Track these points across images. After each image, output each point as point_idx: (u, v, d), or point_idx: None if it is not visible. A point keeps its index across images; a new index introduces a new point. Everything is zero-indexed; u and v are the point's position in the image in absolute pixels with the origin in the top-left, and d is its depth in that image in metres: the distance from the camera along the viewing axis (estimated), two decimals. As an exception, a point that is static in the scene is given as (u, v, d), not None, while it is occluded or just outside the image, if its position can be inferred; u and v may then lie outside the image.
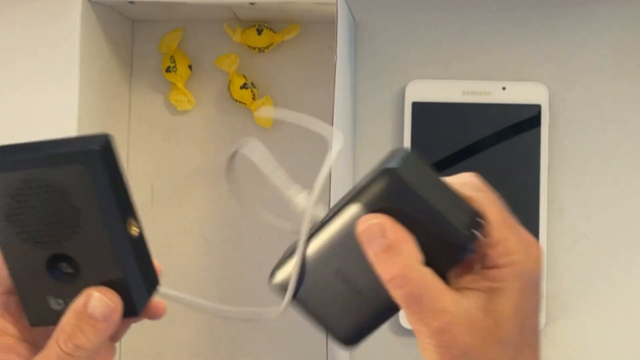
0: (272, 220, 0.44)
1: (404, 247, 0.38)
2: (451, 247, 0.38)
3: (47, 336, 0.42)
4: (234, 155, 0.43)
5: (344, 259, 0.40)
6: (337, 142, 0.42)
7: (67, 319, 0.41)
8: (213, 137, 0.72)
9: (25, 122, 0.73)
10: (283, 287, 0.41)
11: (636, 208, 0.69)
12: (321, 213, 0.41)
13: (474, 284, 0.39)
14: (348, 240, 0.40)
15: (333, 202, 0.56)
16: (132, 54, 0.73)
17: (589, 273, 0.69)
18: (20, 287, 0.42)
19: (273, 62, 0.72)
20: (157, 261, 0.44)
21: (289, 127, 0.71)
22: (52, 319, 0.42)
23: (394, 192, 0.39)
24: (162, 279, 0.45)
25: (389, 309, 0.40)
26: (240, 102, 0.71)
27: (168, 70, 0.71)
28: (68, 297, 0.41)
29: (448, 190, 0.39)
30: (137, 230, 0.42)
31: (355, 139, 0.71)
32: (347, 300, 0.40)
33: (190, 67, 0.72)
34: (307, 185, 0.42)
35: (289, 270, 0.41)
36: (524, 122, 0.68)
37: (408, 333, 0.68)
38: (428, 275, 0.38)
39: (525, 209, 0.68)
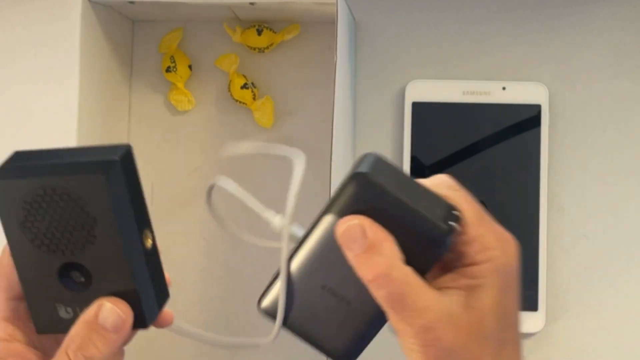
0: (257, 241, 0.45)
1: (385, 246, 0.38)
2: (430, 243, 0.38)
3: (57, 343, 0.42)
4: (211, 190, 0.44)
5: (326, 272, 0.40)
6: (299, 162, 0.42)
7: (78, 329, 0.41)
8: (213, 137, 0.72)
9: (25, 122, 0.73)
10: (271, 312, 0.41)
11: (636, 208, 0.69)
12: (300, 232, 0.41)
13: (452, 282, 0.38)
14: (327, 252, 0.39)
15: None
16: (132, 54, 0.73)
17: (589, 273, 0.69)
18: (29, 293, 0.42)
19: (273, 62, 0.72)
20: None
21: (289, 127, 0.71)
22: (60, 327, 0.41)
23: (366, 195, 0.38)
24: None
25: (381, 316, 0.40)
26: (240, 102, 0.71)
27: (168, 70, 0.71)
28: (78, 306, 0.41)
29: (421, 188, 0.39)
30: (152, 242, 0.42)
31: (355, 139, 0.71)
32: (338, 314, 0.40)
33: (190, 67, 0.72)
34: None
35: (274, 294, 0.41)
36: (524, 122, 0.68)
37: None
38: (410, 274, 0.38)
39: (525, 209, 0.68)
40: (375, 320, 0.40)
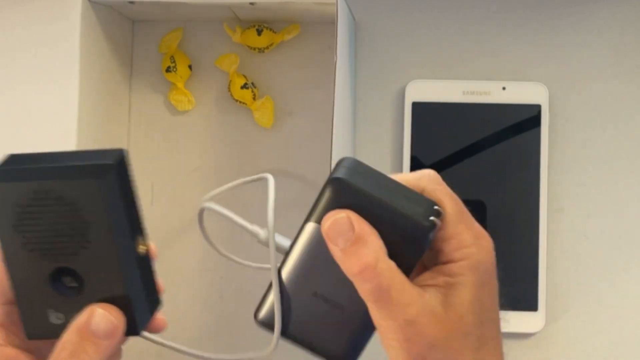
0: (248, 263, 0.47)
1: (371, 240, 0.38)
2: (413, 240, 0.38)
3: (52, 347, 0.41)
4: (202, 213, 0.45)
5: (316, 280, 0.40)
6: (270, 183, 0.43)
7: (69, 336, 0.40)
8: (213, 137, 0.72)
9: (25, 122, 0.73)
10: (268, 324, 0.41)
11: (636, 208, 0.69)
12: (287, 243, 0.42)
13: (431, 280, 0.39)
14: (313, 259, 0.40)
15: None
16: (132, 54, 0.73)
17: (589, 273, 0.69)
18: (20, 298, 0.41)
19: (273, 62, 0.72)
20: (158, 264, 0.44)
21: (289, 127, 0.71)
22: (50, 332, 0.41)
23: (344, 199, 0.39)
24: (163, 279, 0.45)
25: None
26: (240, 102, 0.71)
27: (168, 70, 0.71)
28: (69, 312, 0.41)
29: (400, 187, 0.39)
30: (145, 248, 0.42)
31: (355, 139, 0.71)
32: (333, 319, 0.40)
33: (190, 67, 0.72)
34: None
35: (269, 305, 0.41)
36: (524, 122, 0.68)
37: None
38: (395, 269, 0.38)
39: (525, 209, 0.68)
40: (370, 321, 0.40)
